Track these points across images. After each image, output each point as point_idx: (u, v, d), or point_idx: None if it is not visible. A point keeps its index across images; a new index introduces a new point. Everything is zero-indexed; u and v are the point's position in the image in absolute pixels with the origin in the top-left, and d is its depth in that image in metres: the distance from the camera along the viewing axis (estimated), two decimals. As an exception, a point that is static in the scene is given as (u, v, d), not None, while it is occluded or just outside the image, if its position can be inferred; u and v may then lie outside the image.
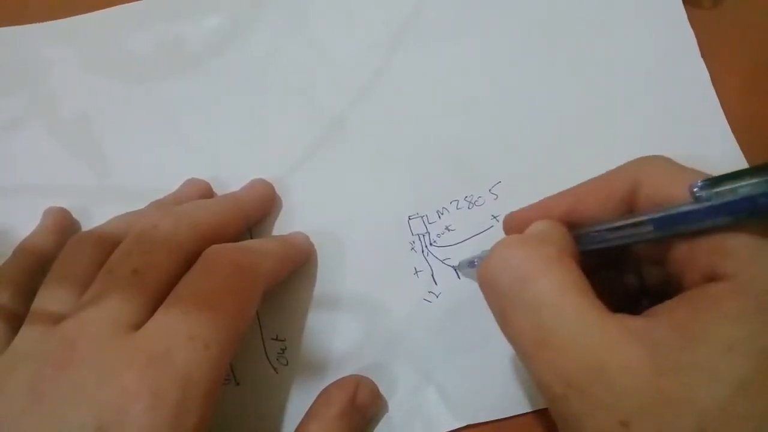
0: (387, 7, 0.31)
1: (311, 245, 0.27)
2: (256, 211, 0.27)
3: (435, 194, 0.27)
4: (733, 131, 0.27)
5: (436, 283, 0.26)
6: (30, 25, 0.33)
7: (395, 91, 0.29)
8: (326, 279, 0.26)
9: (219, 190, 0.28)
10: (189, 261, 0.21)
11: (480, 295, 0.25)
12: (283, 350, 0.25)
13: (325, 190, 0.28)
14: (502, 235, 0.26)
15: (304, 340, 0.25)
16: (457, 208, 0.27)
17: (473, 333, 0.25)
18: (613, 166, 0.21)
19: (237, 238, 0.25)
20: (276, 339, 0.25)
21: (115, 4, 0.32)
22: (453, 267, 0.26)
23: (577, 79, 0.29)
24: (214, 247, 0.21)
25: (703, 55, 0.28)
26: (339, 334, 0.25)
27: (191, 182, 0.28)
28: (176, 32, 0.32)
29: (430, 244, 0.26)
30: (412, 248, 0.26)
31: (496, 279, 0.18)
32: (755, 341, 0.14)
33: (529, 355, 0.17)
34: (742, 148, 0.26)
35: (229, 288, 0.20)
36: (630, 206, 0.19)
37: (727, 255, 0.16)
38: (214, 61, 0.31)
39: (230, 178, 0.28)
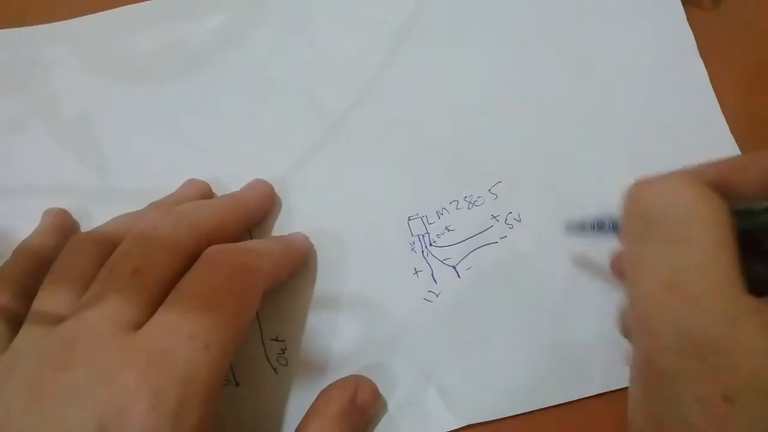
0: (388, 6, 0.31)
1: (311, 245, 0.27)
2: (256, 212, 0.27)
3: (434, 194, 0.27)
4: (732, 131, 0.27)
5: (436, 283, 0.26)
6: (31, 26, 0.33)
7: (395, 91, 0.29)
8: (326, 279, 0.26)
9: (219, 190, 0.28)
10: (189, 261, 0.21)
11: (481, 294, 0.25)
12: (283, 350, 0.25)
13: (325, 190, 0.28)
14: (502, 233, 0.26)
15: (304, 340, 0.25)
16: (457, 209, 0.27)
17: (473, 333, 0.25)
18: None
19: (237, 238, 0.25)
20: (276, 339, 0.25)
21: (116, 5, 0.32)
22: (453, 267, 0.26)
23: (577, 79, 0.29)
24: (214, 247, 0.22)
25: (702, 55, 0.28)
26: (339, 334, 0.25)
27: (191, 183, 0.28)
28: (176, 33, 0.32)
29: (430, 245, 0.26)
30: (412, 249, 0.26)
31: (655, 207, 0.17)
32: None
33: (650, 293, 0.16)
34: (741, 148, 0.27)
35: (229, 288, 0.20)
36: None
37: None
38: (214, 61, 0.31)
39: (230, 178, 0.28)
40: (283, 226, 0.27)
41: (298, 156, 0.29)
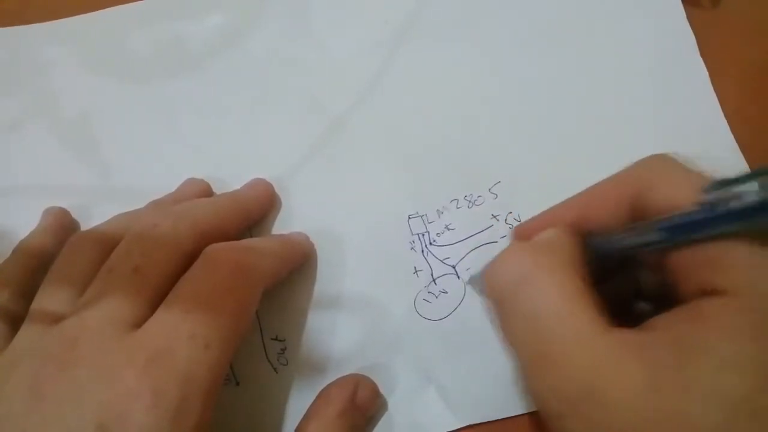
0: (389, 6, 0.31)
1: (311, 245, 0.27)
2: (256, 211, 0.27)
3: (435, 193, 0.27)
4: (732, 131, 0.27)
5: (435, 283, 0.26)
6: (30, 25, 0.33)
7: (396, 90, 0.29)
8: (326, 279, 0.26)
9: (219, 190, 0.28)
10: (189, 260, 0.21)
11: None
12: (283, 350, 0.25)
13: (325, 189, 0.28)
14: (502, 233, 0.26)
15: (304, 340, 0.25)
16: (457, 208, 0.27)
17: (473, 333, 0.25)
18: (612, 166, 0.21)
19: (237, 237, 0.25)
20: (276, 339, 0.25)
21: (115, 4, 0.32)
22: (452, 266, 0.26)
23: (577, 78, 0.29)
24: (214, 245, 0.21)
25: (702, 55, 0.28)
26: (339, 334, 0.25)
27: (190, 182, 0.28)
28: (177, 32, 0.32)
29: (430, 244, 0.26)
30: (412, 248, 0.26)
31: (499, 281, 0.18)
32: (753, 359, 0.14)
33: (529, 366, 0.17)
34: (741, 148, 0.27)
35: (229, 287, 0.20)
36: (640, 210, 0.18)
37: (724, 270, 0.15)
38: (214, 60, 0.31)
39: (230, 178, 0.28)
40: (283, 226, 0.27)
41: (298, 156, 0.29)
